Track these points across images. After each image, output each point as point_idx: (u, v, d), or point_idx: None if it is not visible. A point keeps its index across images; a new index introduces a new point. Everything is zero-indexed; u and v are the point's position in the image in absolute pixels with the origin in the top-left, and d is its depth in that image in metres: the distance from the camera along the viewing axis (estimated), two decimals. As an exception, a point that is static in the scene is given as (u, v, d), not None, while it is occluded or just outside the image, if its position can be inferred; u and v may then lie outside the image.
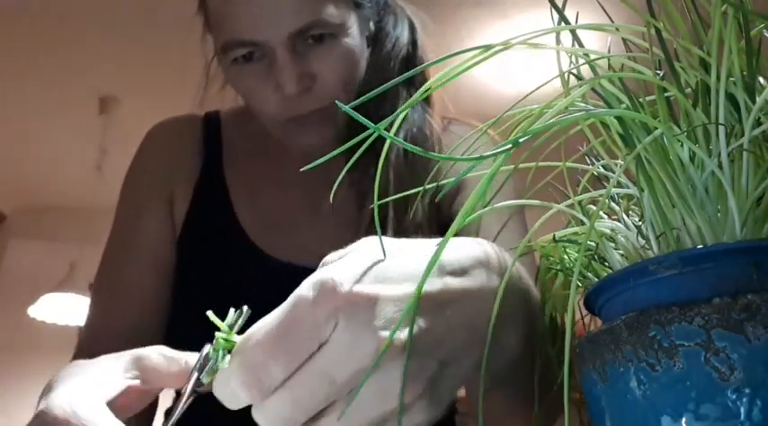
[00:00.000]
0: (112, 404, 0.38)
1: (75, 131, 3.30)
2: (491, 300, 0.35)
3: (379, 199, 0.35)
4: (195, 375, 0.36)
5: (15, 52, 2.84)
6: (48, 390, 0.40)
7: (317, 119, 0.71)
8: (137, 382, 0.40)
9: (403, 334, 0.32)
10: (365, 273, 0.33)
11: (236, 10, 0.65)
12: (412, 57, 0.77)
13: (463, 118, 0.81)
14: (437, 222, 0.72)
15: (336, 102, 0.34)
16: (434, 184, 0.49)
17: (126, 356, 0.41)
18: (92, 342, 0.73)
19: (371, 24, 0.76)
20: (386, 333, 0.31)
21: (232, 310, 0.36)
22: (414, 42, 0.78)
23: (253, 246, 0.75)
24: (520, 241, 0.41)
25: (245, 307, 0.36)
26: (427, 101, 0.77)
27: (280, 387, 0.32)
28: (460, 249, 0.37)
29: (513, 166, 0.40)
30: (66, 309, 3.06)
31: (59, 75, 2.98)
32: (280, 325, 0.32)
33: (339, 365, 0.31)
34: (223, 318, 0.35)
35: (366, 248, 0.35)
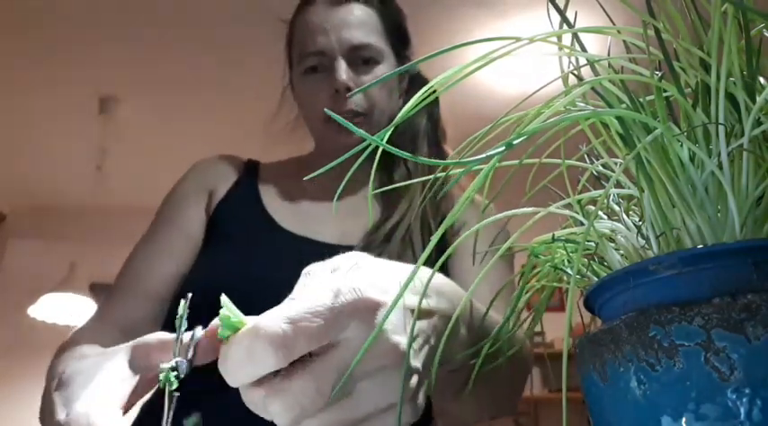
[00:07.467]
0: (127, 403, 0.40)
1: (76, 131, 3.30)
2: (449, 319, 0.43)
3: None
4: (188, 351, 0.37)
5: (15, 52, 2.84)
6: (60, 386, 0.43)
7: (355, 122, 0.87)
8: (139, 376, 0.41)
9: (404, 339, 0.37)
10: (371, 283, 0.37)
11: (313, 29, 0.90)
12: (433, 113, 0.98)
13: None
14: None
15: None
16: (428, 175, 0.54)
17: (124, 350, 0.42)
18: (95, 332, 0.75)
19: (406, 78, 0.97)
20: (396, 337, 0.36)
21: (183, 301, 0.39)
22: (433, 117, 0.97)
23: (278, 226, 0.90)
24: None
25: (189, 294, 0.40)
26: (441, 132, 0.97)
27: (302, 373, 0.34)
28: (436, 278, 0.44)
29: (514, 163, 0.40)
30: (66, 309, 3.06)
31: (59, 75, 2.98)
32: (311, 308, 0.34)
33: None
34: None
35: (356, 262, 0.41)
